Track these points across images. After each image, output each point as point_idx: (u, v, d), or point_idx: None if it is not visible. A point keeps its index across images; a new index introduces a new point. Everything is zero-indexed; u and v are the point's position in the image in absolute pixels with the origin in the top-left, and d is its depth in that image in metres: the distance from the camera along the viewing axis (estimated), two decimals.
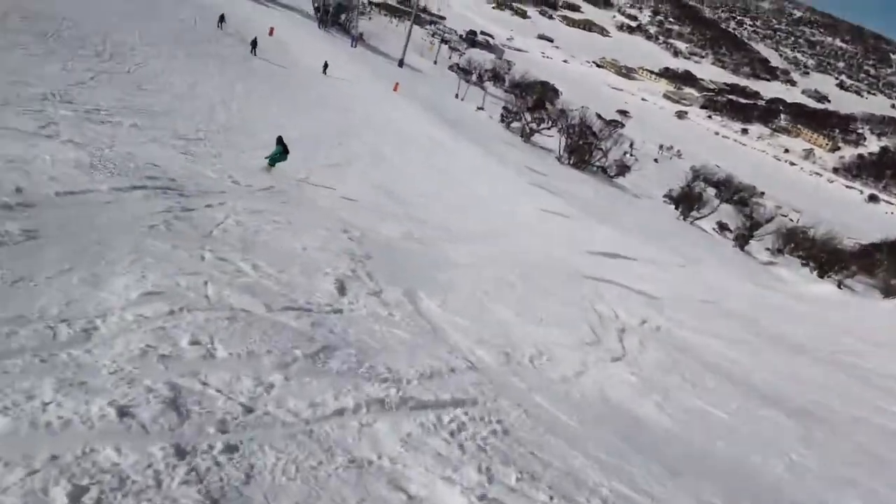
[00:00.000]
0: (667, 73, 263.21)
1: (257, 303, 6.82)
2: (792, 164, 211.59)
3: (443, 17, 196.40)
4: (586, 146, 56.43)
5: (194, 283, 6.75)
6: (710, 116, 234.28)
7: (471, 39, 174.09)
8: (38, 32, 19.88)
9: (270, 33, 44.05)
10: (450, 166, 29.84)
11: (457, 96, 71.25)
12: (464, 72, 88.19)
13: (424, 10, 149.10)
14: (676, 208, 57.63)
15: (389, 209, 17.43)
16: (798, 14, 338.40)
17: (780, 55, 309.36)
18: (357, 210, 15.41)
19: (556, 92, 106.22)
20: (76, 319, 5.30)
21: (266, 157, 15.81)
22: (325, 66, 41.84)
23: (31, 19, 20.62)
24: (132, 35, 25.44)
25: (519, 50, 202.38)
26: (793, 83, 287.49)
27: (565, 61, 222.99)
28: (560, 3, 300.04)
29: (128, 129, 14.34)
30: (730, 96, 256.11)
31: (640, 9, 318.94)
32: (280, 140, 15.79)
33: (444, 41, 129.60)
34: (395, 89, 46.58)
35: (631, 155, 79.37)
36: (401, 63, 69.56)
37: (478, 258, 14.67)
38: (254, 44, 36.48)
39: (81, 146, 10.06)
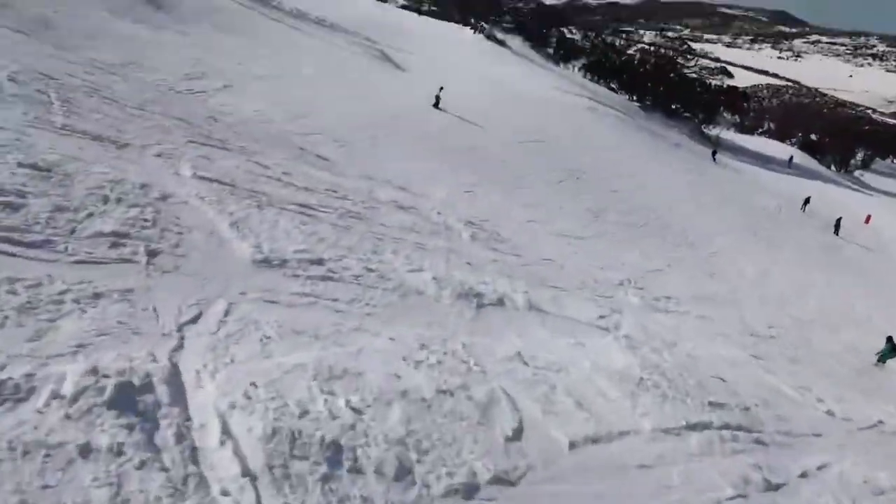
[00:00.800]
0: None
1: None
2: None
3: None
4: None
5: None
6: None
7: None
8: (628, 224, 20.63)
9: (867, 221, 37.34)
10: None
11: None
12: None
13: None
14: None
15: None
16: None
17: None
18: None
19: None
20: None
21: (876, 354, 13.77)
22: None
23: (626, 213, 21.54)
24: (709, 223, 24.64)
25: None
26: None
27: None
28: None
29: (693, 322, 12.58)
30: None
31: None
32: (890, 339, 13.72)
33: None
34: None
35: None
36: None
37: None
38: (837, 225, 31.48)
39: (636, 347, 8.13)
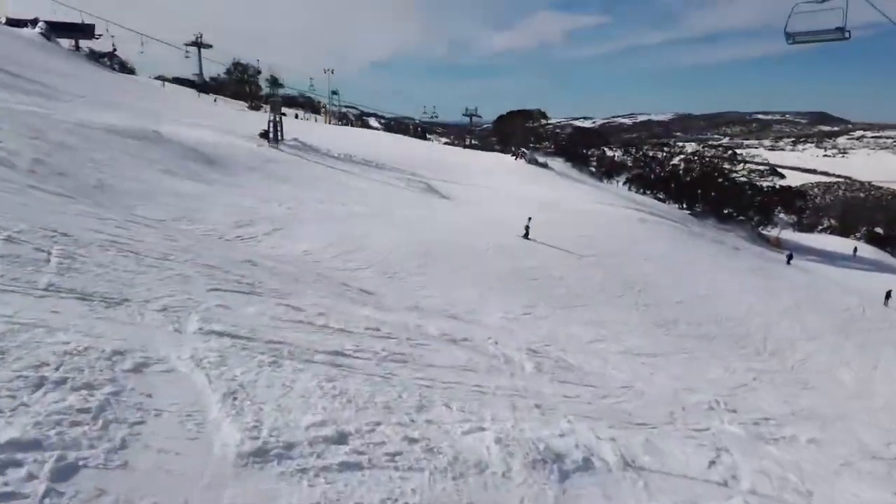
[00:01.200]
0: None
1: None
2: None
3: None
4: None
5: None
6: None
7: None
8: (700, 335, 19.07)
9: None
10: None
11: None
12: None
13: None
14: None
15: None
16: None
17: None
18: None
19: None
20: None
21: None
22: None
23: (696, 324, 20.02)
24: (792, 329, 22.54)
25: None
26: None
27: None
28: None
29: (806, 450, 10.39)
30: None
31: None
32: None
33: None
34: None
35: None
36: None
37: None
38: None
39: None
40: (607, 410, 8.38)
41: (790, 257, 41.66)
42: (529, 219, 25.03)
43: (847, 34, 9.65)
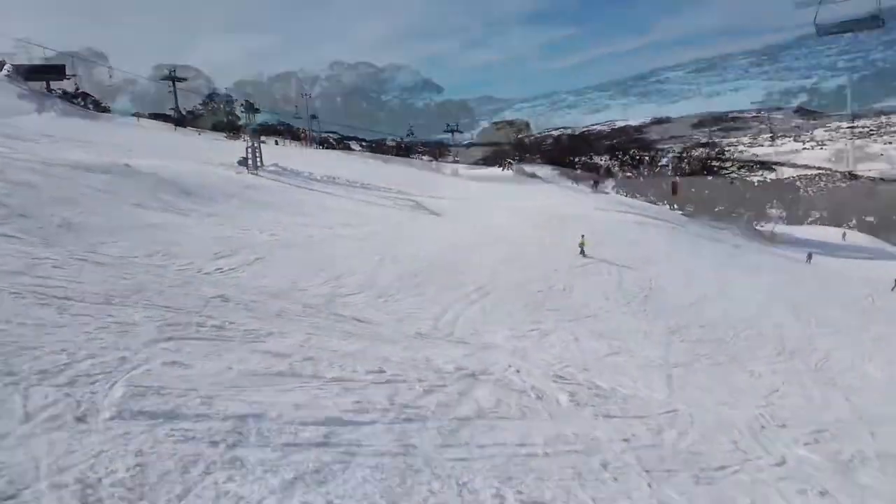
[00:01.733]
0: None
1: None
2: None
3: None
4: None
5: None
6: None
7: None
8: (716, 339, 18.01)
9: None
10: None
11: None
12: None
13: None
14: None
15: None
16: None
17: None
18: None
19: None
20: None
21: None
22: None
23: (709, 327, 19.13)
24: (808, 325, 21.55)
25: None
26: None
27: None
28: None
29: (887, 468, 9.22)
30: None
31: None
32: None
33: None
34: None
35: None
36: None
37: None
38: None
39: None
40: (675, 454, 7.03)
41: (810, 256, 41.39)
42: (583, 236, 24.67)
43: (881, 22, 8.75)
